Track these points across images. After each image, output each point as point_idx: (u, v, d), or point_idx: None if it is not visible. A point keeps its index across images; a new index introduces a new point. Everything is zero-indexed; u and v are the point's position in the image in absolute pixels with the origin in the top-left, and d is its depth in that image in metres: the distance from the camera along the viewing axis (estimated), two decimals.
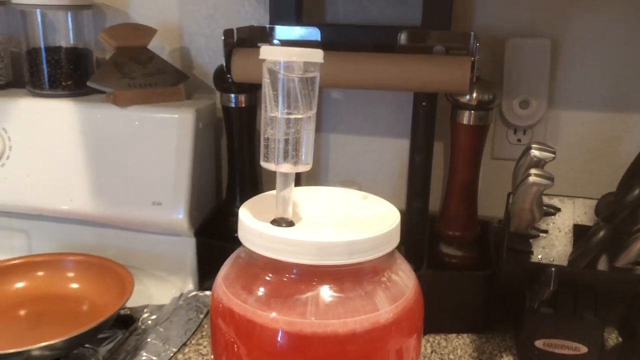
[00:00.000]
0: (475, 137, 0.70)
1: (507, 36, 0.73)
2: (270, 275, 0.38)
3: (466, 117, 0.69)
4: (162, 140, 0.75)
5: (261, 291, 0.38)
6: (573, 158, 0.76)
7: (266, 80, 0.36)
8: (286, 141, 0.36)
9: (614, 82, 0.73)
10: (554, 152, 0.52)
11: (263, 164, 0.38)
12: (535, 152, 0.52)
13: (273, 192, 0.40)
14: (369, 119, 0.81)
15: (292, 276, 0.37)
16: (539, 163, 0.52)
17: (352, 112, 0.81)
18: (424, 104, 0.73)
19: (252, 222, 0.38)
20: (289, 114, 0.36)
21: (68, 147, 0.77)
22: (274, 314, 0.36)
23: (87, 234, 0.80)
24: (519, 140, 0.78)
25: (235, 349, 0.38)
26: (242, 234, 0.39)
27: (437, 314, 0.69)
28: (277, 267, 0.38)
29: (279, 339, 0.36)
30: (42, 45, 0.80)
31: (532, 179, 0.51)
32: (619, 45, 0.72)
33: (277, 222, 0.38)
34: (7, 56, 0.85)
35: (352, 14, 0.78)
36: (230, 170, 0.80)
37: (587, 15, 0.72)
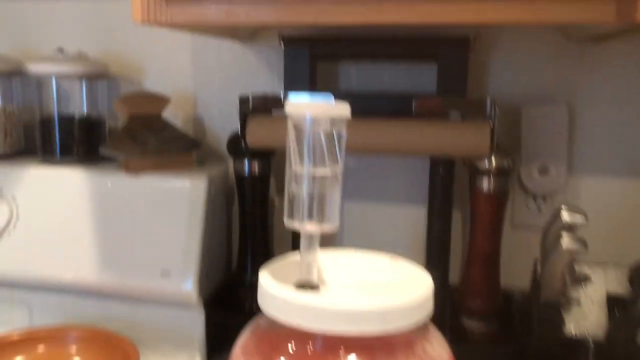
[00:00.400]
0: (496, 205, 0.68)
1: (523, 102, 0.73)
2: (293, 345, 0.35)
3: (485, 184, 0.67)
4: (173, 208, 0.73)
5: None
6: (596, 225, 0.74)
7: (291, 135, 0.34)
8: (311, 198, 0.35)
9: (635, 147, 0.72)
10: (585, 216, 0.50)
11: (287, 222, 0.35)
12: (566, 216, 0.50)
13: (295, 255, 0.37)
14: (384, 187, 0.79)
15: (318, 347, 0.34)
16: (570, 227, 0.50)
17: (367, 180, 0.80)
18: (441, 170, 0.72)
19: (273, 286, 0.36)
20: (314, 170, 0.34)
21: (76, 215, 0.75)
22: None
23: (91, 306, 0.77)
24: (539, 208, 0.76)
25: None
26: (263, 300, 0.36)
27: None
28: (302, 336, 0.35)
29: None
30: (55, 114, 0.79)
31: (564, 243, 0.48)
32: (638, 109, 0.71)
33: (301, 286, 0.36)
34: (20, 125, 0.85)
35: (364, 82, 0.78)
36: (241, 239, 0.78)
37: (603, 80, 0.72)
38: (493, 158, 0.65)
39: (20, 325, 0.78)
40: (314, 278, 0.36)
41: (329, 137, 0.34)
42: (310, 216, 0.35)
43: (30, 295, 0.79)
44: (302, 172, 0.34)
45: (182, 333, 0.75)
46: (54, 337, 0.71)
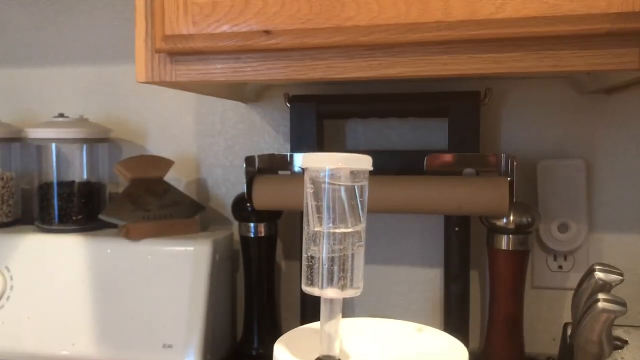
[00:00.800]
0: (516, 264, 0.65)
1: (537, 157, 0.71)
2: None
3: (504, 242, 0.64)
4: (175, 275, 0.69)
5: None
6: (622, 287, 0.70)
7: (309, 191, 0.31)
8: (332, 260, 0.31)
9: None
10: (621, 274, 0.46)
11: (305, 288, 0.32)
12: (600, 275, 0.46)
13: (311, 325, 0.34)
14: (397, 248, 0.76)
15: None
16: (604, 287, 0.46)
17: (378, 241, 0.76)
18: (457, 229, 0.69)
19: None
20: (335, 228, 0.31)
21: (74, 285, 0.71)
22: None
23: None
24: (560, 267, 0.72)
25: None
26: None
27: None
28: None
29: None
30: (54, 180, 0.77)
31: (601, 305, 0.44)
32: None
33: None
34: (17, 192, 0.82)
35: (373, 140, 0.76)
36: (247, 307, 0.74)
37: (619, 132, 0.70)
38: (512, 214, 0.62)
39: None
40: (336, 351, 0.32)
41: (350, 192, 0.31)
42: (331, 280, 0.31)
43: None
44: (321, 232, 0.31)
45: None
46: None
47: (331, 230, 0.31)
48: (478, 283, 0.74)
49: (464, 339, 0.69)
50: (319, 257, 0.31)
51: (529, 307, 0.72)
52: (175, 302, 0.69)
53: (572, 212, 0.70)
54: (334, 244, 0.31)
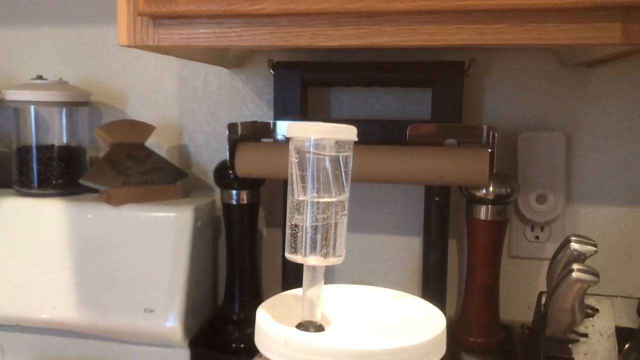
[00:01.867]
0: (494, 234, 0.66)
1: (519, 129, 0.71)
2: None
3: (483, 212, 0.65)
4: (157, 241, 0.69)
5: None
6: (597, 257, 0.72)
7: (293, 160, 0.31)
8: (315, 229, 0.32)
9: (634, 173, 0.70)
10: (595, 245, 0.48)
11: (288, 255, 0.32)
12: (575, 246, 0.47)
13: (294, 291, 0.34)
14: (377, 217, 0.77)
15: None
16: (579, 257, 0.47)
17: (359, 210, 0.77)
18: (437, 199, 0.69)
19: (273, 326, 0.33)
20: (319, 197, 0.31)
21: (54, 249, 0.71)
22: None
23: (69, 346, 0.72)
24: (537, 237, 0.73)
25: None
26: (261, 341, 0.33)
27: None
28: None
29: None
30: (33, 143, 0.76)
31: (575, 274, 0.46)
32: (635, 136, 0.70)
33: (303, 326, 0.32)
34: None
35: (357, 109, 0.76)
36: (228, 273, 0.74)
37: (600, 106, 0.70)
38: (491, 185, 0.63)
39: None
40: (318, 317, 0.33)
41: (335, 162, 0.31)
42: (314, 249, 0.32)
43: (4, 336, 0.74)
44: (305, 201, 0.31)
45: None
46: None
47: (315, 200, 0.31)
48: (456, 252, 0.76)
49: (441, 306, 0.70)
50: (302, 226, 0.32)
51: (506, 276, 0.73)
52: (157, 267, 0.69)
53: (550, 184, 0.71)
54: (317, 213, 0.31)
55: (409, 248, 0.77)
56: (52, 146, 0.77)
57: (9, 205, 0.73)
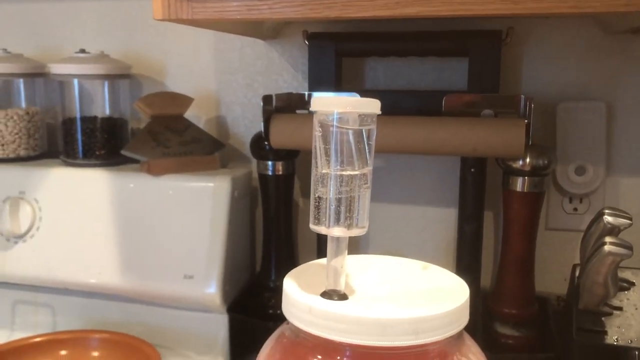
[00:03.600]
0: (530, 206, 0.65)
1: (558, 99, 0.70)
2: (320, 357, 0.33)
3: (520, 184, 0.64)
4: (196, 210, 0.71)
5: None
6: (636, 230, 0.70)
7: (317, 134, 0.32)
8: (339, 201, 0.32)
9: None
10: (630, 218, 0.47)
11: (313, 227, 0.33)
12: (608, 219, 0.46)
13: (320, 260, 0.35)
14: (412, 188, 0.77)
15: (347, 359, 0.32)
16: (612, 230, 0.46)
17: (394, 181, 0.77)
18: (472, 170, 0.69)
19: (299, 294, 0.34)
20: (342, 170, 0.32)
21: (99, 217, 0.74)
22: None
23: (114, 309, 0.76)
24: (575, 209, 0.72)
25: None
26: (288, 309, 0.34)
27: None
28: (329, 348, 0.32)
29: None
30: (77, 115, 0.79)
31: (607, 248, 0.45)
32: None
33: (328, 295, 0.33)
34: (43, 127, 0.84)
35: (392, 79, 0.76)
36: (265, 242, 0.76)
37: None
38: (528, 156, 0.62)
39: (43, 328, 0.77)
40: (342, 285, 0.33)
41: (358, 135, 0.32)
42: (337, 220, 0.32)
43: (54, 298, 0.79)
44: (328, 174, 0.32)
45: (205, 337, 0.73)
46: (77, 340, 0.70)
47: (338, 173, 0.32)
48: (492, 224, 0.75)
49: (476, 278, 0.71)
50: (326, 198, 0.32)
51: (543, 248, 0.73)
52: (196, 235, 0.71)
53: (590, 155, 0.70)
54: (341, 186, 0.32)
55: (444, 219, 0.76)
56: (95, 118, 0.79)
57: (56, 175, 0.77)
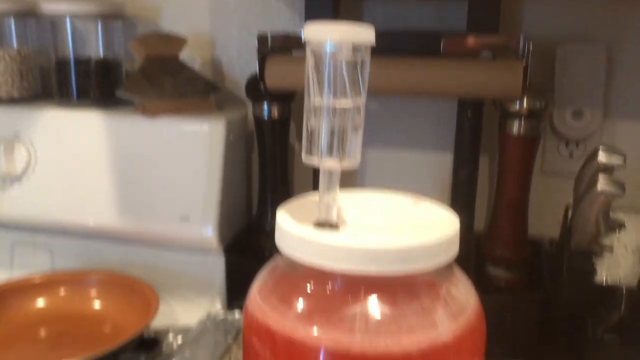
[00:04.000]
0: (526, 149, 0.65)
1: (558, 41, 0.69)
2: (312, 286, 0.33)
3: (516, 127, 0.64)
4: (191, 152, 0.71)
5: (302, 304, 0.33)
6: (632, 171, 0.70)
7: (310, 63, 0.32)
8: (331, 133, 0.32)
9: None
10: (623, 157, 0.47)
11: (305, 158, 0.33)
12: (602, 157, 0.46)
13: (314, 194, 0.35)
14: (408, 132, 0.76)
15: (338, 287, 0.33)
16: (606, 169, 0.47)
17: (389, 125, 0.77)
18: (469, 113, 0.68)
19: (291, 225, 0.34)
20: (335, 101, 0.32)
21: (95, 159, 0.74)
22: (317, 330, 0.32)
23: (112, 251, 0.77)
24: (571, 153, 0.72)
25: None
26: (281, 240, 0.35)
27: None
28: (321, 276, 0.33)
29: (322, 359, 0.31)
30: (71, 56, 0.77)
31: (600, 186, 0.45)
32: None
33: (320, 226, 0.34)
34: (36, 68, 0.83)
35: (390, 20, 0.74)
36: (261, 184, 0.76)
37: None
38: (525, 99, 0.62)
39: (42, 268, 0.78)
40: (334, 217, 0.34)
41: (351, 65, 0.31)
42: (330, 152, 0.32)
43: (52, 240, 0.79)
44: (321, 104, 0.32)
45: (202, 278, 0.74)
46: (75, 280, 0.71)
47: (331, 104, 0.32)
48: (487, 168, 0.75)
49: (469, 220, 0.72)
50: (318, 130, 0.32)
51: (538, 192, 0.73)
52: (192, 178, 0.71)
53: (588, 99, 0.69)
54: (333, 117, 0.32)
55: (440, 164, 0.76)
56: (89, 59, 0.78)
57: (51, 116, 0.76)
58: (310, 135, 0.32)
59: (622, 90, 0.69)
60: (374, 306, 0.32)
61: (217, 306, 0.74)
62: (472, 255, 0.70)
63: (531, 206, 0.68)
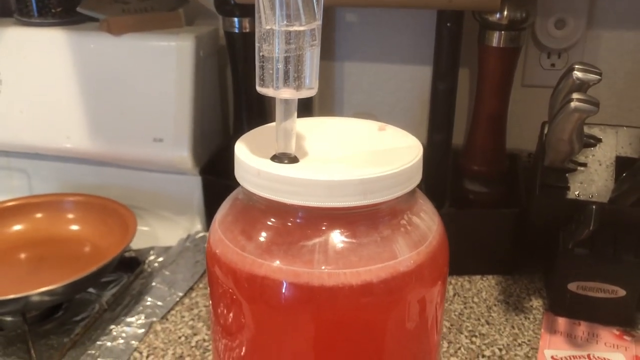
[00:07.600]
0: (506, 61, 0.63)
1: None
2: (272, 219, 0.33)
3: (496, 39, 0.62)
4: (160, 71, 0.69)
5: (262, 237, 0.33)
6: (614, 83, 0.69)
7: None
8: (286, 60, 0.30)
9: None
10: (599, 74, 0.45)
11: (259, 89, 0.32)
12: (578, 74, 0.45)
13: (273, 124, 0.34)
14: (386, 45, 0.74)
15: (298, 220, 0.32)
16: (581, 86, 0.45)
17: (368, 38, 0.74)
18: (449, 25, 0.65)
19: (248, 158, 0.33)
20: (288, 25, 0.30)
21: (61, 79, 0.71)
22: (277, 263, 0.32)
23: (88, 173, 0.76)
24: (553, 64, 0.70)
25: (234, 299, 0.34)
26: (239, 173, 0.34)
27: (460, 254, 0.63)
28: (280, 210, 0.32)
29: (283, 291, 0.32)
30: None
31: (573, 104, 0.44)
32: None
33: (278, 158, 0.33)
34: None
35: None
36: (236, 103, 0.74)
37: None
38: (506, 9, 0.59)
39: (19, 192, 0.78)
40: (292, 148, 0.33)
41: None
42: (286, 81, 0.31)
43: (28, 163, 0.78)
44: (273, 29, 0.30)
45: (180, 199, 0.74)
46: (52, 203, 0.71)
47: (284, 28, 0.30)
48: (468, 82, 0.73)
49: (448, 135, 0.71)
50: (272, 57, 0.30)
51: (518, 105, 0.72)
52: (162, 98, 0.69)
53: (571, 7, 0.66)
54: (287, 43, 0.30)
55: (419, 77, 0.74)
56: None
57: (10, 35, 0.73)
58: (263, 63, 0.31)
59: None
60: (335, 239, 0.32)
61: (197, 226, 0.74)
62: (449, 170, 0.69)
63: (511, 120, 0.67)
